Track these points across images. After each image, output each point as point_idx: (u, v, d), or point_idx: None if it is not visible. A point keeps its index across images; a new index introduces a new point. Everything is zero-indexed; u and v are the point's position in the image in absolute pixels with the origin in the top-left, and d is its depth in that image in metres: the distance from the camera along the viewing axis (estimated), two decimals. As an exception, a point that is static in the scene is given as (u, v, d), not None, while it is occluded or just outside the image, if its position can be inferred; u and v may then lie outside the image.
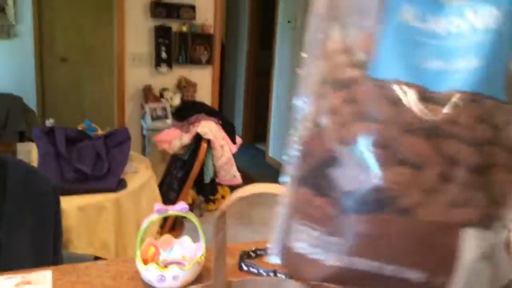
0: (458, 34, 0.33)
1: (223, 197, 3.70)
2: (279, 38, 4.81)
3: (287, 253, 0.37)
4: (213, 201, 3.62)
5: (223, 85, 6.22)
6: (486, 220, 0.31)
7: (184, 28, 3.91)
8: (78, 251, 1.76)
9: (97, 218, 1.80)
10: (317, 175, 0.34)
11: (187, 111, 2.44)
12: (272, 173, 4.55)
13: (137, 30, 3.77)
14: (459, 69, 0.32)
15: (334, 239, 0.33)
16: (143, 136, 3.85)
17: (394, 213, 0.31)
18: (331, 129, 0.34)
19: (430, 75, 0.33)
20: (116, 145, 2.00)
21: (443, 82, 0.32)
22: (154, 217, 0.94)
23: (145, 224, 0.94)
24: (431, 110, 0.31)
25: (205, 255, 0.99)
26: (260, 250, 1.15)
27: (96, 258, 1.82)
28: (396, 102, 0.32)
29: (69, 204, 1.71)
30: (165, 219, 2.37)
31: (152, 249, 1.01)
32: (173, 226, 2.43)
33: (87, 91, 4.82)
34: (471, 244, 0.30)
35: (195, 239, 1.03)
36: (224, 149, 2.39)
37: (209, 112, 2.45)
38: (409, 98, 0.32)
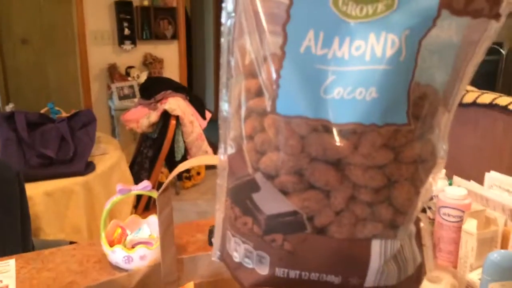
0: (361, 60, 0.33)
1: (198, 173, 3.68)
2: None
3: (227, 258, 0.40)
4: (189, 178, 3.60)
5: (192, 60, 6.12)
6: (391, 230, 0.36)
7: (146, 2, 3.79)
8: (50, 237, 1.73)
9: (67, 203, 1.76)
10: (242, 195, 0.37)
11: (153, 88, 2.38)
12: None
13: (97, 7, 3.64)
14: (359, 100, 0.33)
15: (261, 253, 0.36)
16: (112, 117, 3.77)
17: (312, 233, 0.35)
18: (249, 154, 0.36)
19: (332, 107, 0.34)
20: (81, 127, 1.95)
21: (344, 114, 0.34)
22: (117, 198, 0.92)
23: (107, 205, 0.92)
24: (334, 141, 0.33)
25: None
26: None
27: (72, 243, 1.80)
28: (302, 136, 0.34)
29: (36, 190, 1.67)
30: (138, 201, 2.35)
31: (119, 231, 0.99)
32: (147, 207, 2.41)
33: (51, 73, 4.66)
34: (377, 253, 0.35)
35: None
36: (193, 125, 2.36)
37: (176, 88, 2.40)
38: (314, 132, 0.34)
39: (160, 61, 3.88)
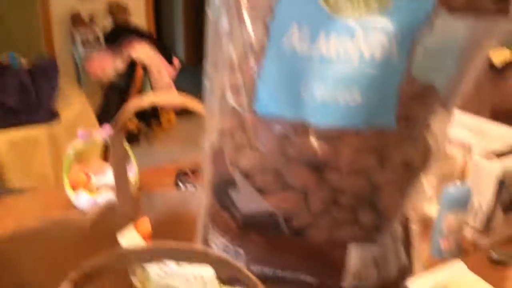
0: (347, 59, 0.31)
1: (169, 121, 3.65)
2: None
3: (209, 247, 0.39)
4: (160, 126, 3.57)
5: (160, 7, 5.89)
6: (372, 234, 0.34)
7: None
8: (16, 186, 1.71)
9: (32, 153, 1.73)
10: (221, 191, 0.35)
11: (118, 36, 2.30)
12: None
13: None
14: (342, 103, 0.31)
15: (237, 248, 0.35)
16: (76, 66, 3.64)
17: (288, 234, 0.33)
18: (228, 150, 0.35)
19: (313, 108, 0.32)
20: (42, 75, 1.88)
21: (326, 116, 0.31)
22: (78, 143, 0.90)
23: (69, 150, 0.91)
24: (313, 144, 0.31)
25: (138, 177, 0.98)
26: (198, 167, 1.15)
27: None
28: (281, 137, 0.32)
29: (-2, 140, 1.63)
30: (107, 147, 2.32)
31: (82, 176, 0.98)
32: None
33: (11, 22, 4.42)
34: (354, 257, 0.33)
35: (141, 163, 1.01)
36: (162, 74, 2.31)
37: (142, 35, 2.32)
38: (293, 134, 0.32)
39: (125, 9, 3.71)
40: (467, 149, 1.01)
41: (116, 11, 3.66)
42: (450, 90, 0.34)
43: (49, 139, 1.77)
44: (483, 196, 0.81)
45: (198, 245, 0.20)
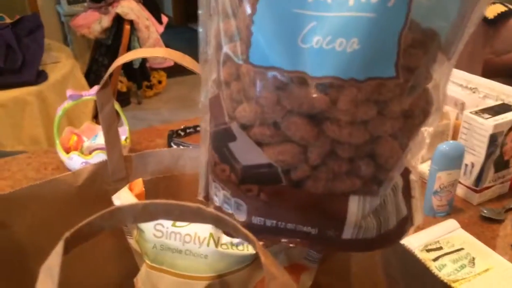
0: (344, 5, 0.29)
1: (159, 82, 3.60)
2: None
3: (210, 201, 0.39)
4: (150, 87, 3.52)
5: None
6: (372, 186, 0.34)
7: None
8: (8, 149, 1.69)
9: (21, 114, 1.70)
10: (220, 143, 0.35)
11: (103, -9, 2.22)
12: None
13: None
14: (339, 51, 0.29)
15: (238, 200, 0.35)
16: (62, 24, 3.54)
17: (288, 185, 0.33)
18: (225, 101, 0.34)
19: (309, 58, 0.30)
20: (27, 33, 1.82)
21: (323, 66, 0.30)
22: (68, 104, 0.89)
23: (59, 111, 0.89)
24: (311, 95, 0.31)
25: (130, 138, 0.97)
26: (189, 128, 1.14)
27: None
28: (277, 87, 0.31)
29: (-14, 101, 1.60)
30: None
31: (74, 138, 0.97)
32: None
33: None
34: (355, 209, 0.33)
35: (132, 124, 1.00)
36: (150, 30, 2.25)
37: (128, -10, 2.24)
38: (291, 85, 0.31)
39: (110, -39, 3.58)
40: (459, 106, 1.01)
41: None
42: (452, 36, 0.33)
43: (38, 100, 1.74)
44: (475, 154, 0.81)
45: (192, 203, 0.20)
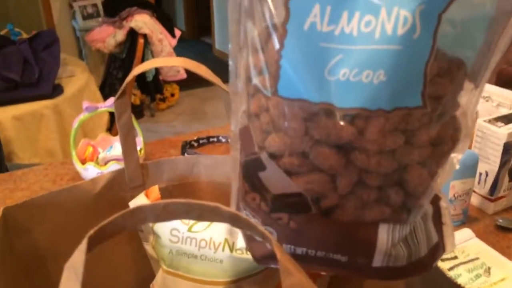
0: (370, 38, 0.30)
1: (172, 95, 3.63)
2: None
3: (242, 230, 0.39)
4: (163, 100, 3.56)
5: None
6: (401, 214, 0.34)
7: None
8: (24, 161, 1.72)
9: (38, 127, 1.74)
10: (250, 172, 0.35)
11: (117, 5, 2.26)
12: (220, 66, 4.44)
13: None
14: (366, 83, 0.30)
15: (269, 229, 0.35)
16: (77, 38, 3.61)
17: (317, 214, 0.33)
18: (255, 131, 0.34)
19: (336, 90, 0.31)
20: (44, 48, 1.86)
21: (350, 97, 0.31)
22: (84, 116, 0.91)
23: (75, 124, 0.91)
24: (338, 126, 0.31)
25: (144, 149, 0.98)
26: (202, 139, 1.15)
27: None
28: (305, 118, 0.32)
29: (3, 115, 1.63)
30: (112, 122, 2.32)
31: (90, 149, 0.99)
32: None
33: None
34: (384, 237, 0.33)
35: (145, 137, 1.02)
36: (163, 43, 2.29)
37: (141, 4, 2.28)
38: (318, 116, 0.32)
39: (124, -23, 3.65)
40: (475, 115, 1.01)
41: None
42: (478, 64, 0.33)
43: (54, 113, 1.77)
44: (489, 163, 0.81)
45: (210, 202, 0.20)
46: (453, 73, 0.32)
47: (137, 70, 0.41)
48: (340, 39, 0.31)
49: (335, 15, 0.30)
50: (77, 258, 0.20)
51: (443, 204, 0.38)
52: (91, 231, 0.20)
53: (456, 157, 0.36)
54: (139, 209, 0.21)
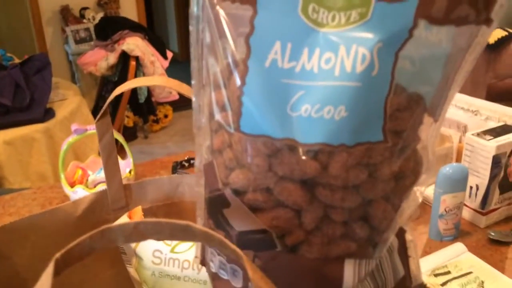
0: (330, 74, 0.30)
1: (166, 116, 3.64)
2: None
3: (207, 265, 0.39)
4: (157, 121, 3.56)
5: (151, 1, 5.85)
6: (367, 249, 0.34)
7: None
8: (15, 186, 1.70)
9: (29, 151, 1.73)
10: (214, 208, 0.35)
11: (109, 29, 2.28)
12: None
13: None
14: (327, 119, 0.30)
15: (234, 266, 0.35)
16: (70, 62, 3.63)
17: (283, 251, 0.33)
18: (218, 167, 0.34)
19: (299, 126, 0.31)
20: (35, 72, 1.87)
21: (312, 133, 0.31)
22: (73, 138, 0.90)
23: (64, 146, 0.90)
24: (301, 162, 0.31)
25: (134, 170, 0.98)
26: (193, 159, 1.15)
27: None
28: (268, 154, 0.32)
29: (-6, 139, 1.62)
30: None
31: (79, 172, 0.98)
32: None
33: (0, 19, 4.39)
34: (351, 272, 0.33)
35: (138, 159, 1.01)
36: (155, 65, 2.30)
37: (133, 27, 2.30)
38: (281, 152, 0.32)
39: (115, 0, 3.69)
40: (462, 129, 1.01)
41: (106, 3, 3.64)
42: (437, 99, 0.34)
43: (46, 137, 1.76)
44: (479, 176, 0.81)
45: (181, 221, 0.20)
46: (413, 108, 0.32)
47: (118, 90, 0.40)
48: (301, 76, 0.31)
49: (296, 52, 0.31)
50: (44, 282, 0.20)
51: (408, 237, 0.38)
52: (58, 254, 0.20)
53: (419, 190, 0.36)
54: (108, 229, 0.20)
